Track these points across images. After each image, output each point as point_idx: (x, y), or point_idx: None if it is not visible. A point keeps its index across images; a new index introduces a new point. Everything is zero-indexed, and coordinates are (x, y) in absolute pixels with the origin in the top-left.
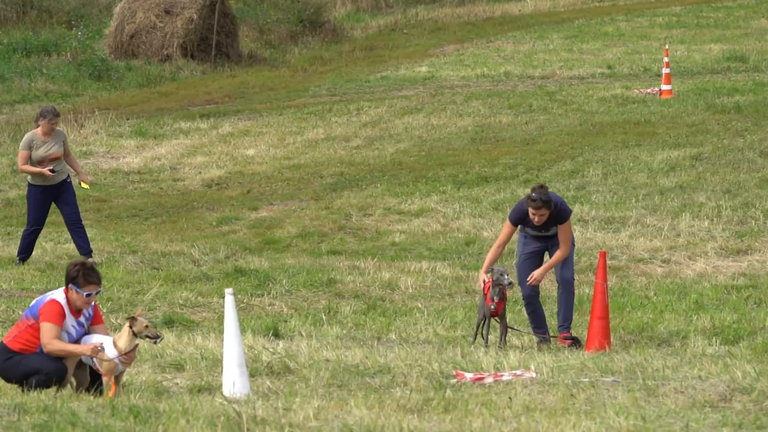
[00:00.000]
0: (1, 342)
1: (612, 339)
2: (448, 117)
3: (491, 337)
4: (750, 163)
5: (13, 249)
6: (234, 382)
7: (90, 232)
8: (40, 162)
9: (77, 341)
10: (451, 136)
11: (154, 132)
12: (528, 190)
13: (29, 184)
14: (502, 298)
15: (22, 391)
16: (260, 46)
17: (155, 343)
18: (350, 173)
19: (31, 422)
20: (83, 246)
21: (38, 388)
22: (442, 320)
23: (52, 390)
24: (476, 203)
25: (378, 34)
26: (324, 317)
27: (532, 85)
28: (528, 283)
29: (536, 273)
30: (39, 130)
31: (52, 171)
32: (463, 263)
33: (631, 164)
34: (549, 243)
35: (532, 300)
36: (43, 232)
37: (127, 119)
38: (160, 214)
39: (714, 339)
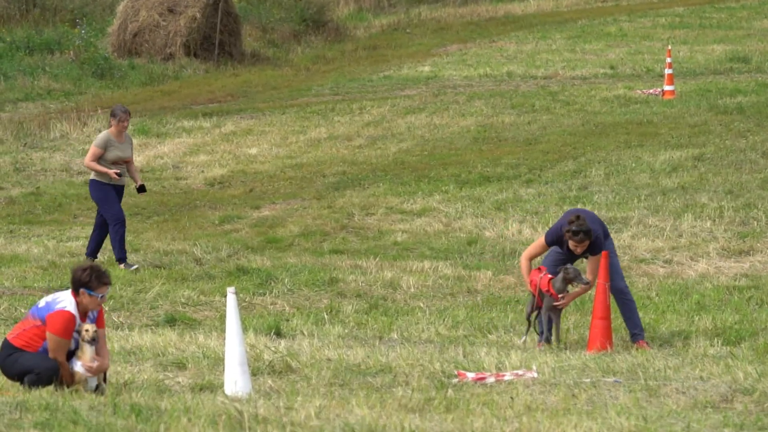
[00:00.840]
0: (5, 339)
1: (614, 339)
2: (451, 117)
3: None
4: (752, 164)
5: (15, 246)
6: (236, 380)
7: (91, 230)
8: (114, 163)
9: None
10: (453, 136)
11: (157, 130)
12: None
13: (95, 182)
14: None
15: (23, 387)
16: (263, 45)
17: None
18: (353, 172)
19: (32, 420)
20: (93, 248)
21: (32, 387)
22: (443, 320)
23: (55, 387)
24: (478, 203)
25: (381, 34)
26: (326, 316)
27: (534, 85)
28: (557, 305)
29: (567, 300)
30: (113, 130)
31: (118, 175)
32: (465, 263)
33: (634, 165)
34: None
35: None
36: (45, 230)
37: (130, 117)
38: (163, 212)
39: (716, 340)
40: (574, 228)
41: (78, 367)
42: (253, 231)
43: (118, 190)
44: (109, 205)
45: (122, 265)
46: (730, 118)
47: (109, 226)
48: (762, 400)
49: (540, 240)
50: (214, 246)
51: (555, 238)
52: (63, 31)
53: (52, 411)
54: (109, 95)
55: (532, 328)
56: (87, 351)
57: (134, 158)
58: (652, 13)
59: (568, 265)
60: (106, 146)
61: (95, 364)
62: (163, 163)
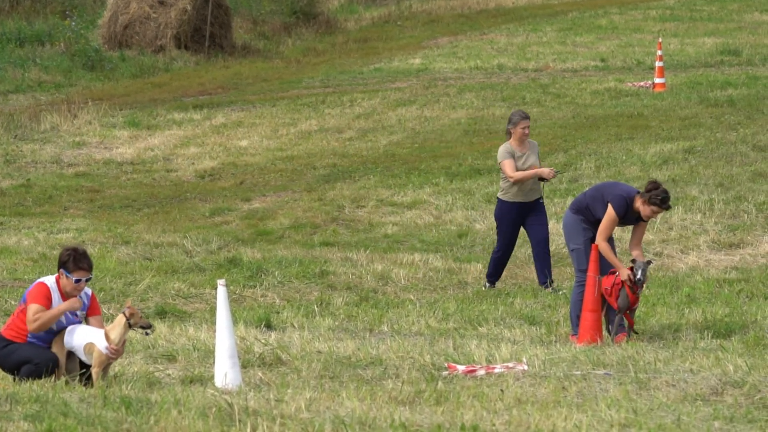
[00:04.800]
0: None
1: (604, 332)
2: (442, 109)
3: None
4: (743, 156)
5: (5, 239)
6: (226, 373)
7: (83, 222)
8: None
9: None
10: (444, 129)
11: (147, 123)
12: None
13: (502, 202)
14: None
15: (14, 380)
16: (254, 38)
17: (146, 334)
18: (343, 165)
19: (23, 412)
20: (543, 274)
21: (28, 378)
22: (434, 312)
23: (45, 380)
24: (469, 195)
25: (372, 26)
26: (316, 309)
27: (525, 78)
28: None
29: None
30: (513, 141)
31: (557, 172)
32: (455, 255)
33: (624, 157)
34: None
35: None
36: (35, 221)
37: (121, 110)
38: (153, 204)
39: (706, 332)
40: (662, 196)
41: (103, 347)
42: (244, 223)
43: (531, 206)
44: (503, 230)
45: (486, 285)
46: (720, 111)
47: (494, 249)
48: (752, 393)
49: (611, 215)
50: (204, 238)
51: (625, 209)
52: (53, 23)
53: (42, 403)
54: (99, 87)
55: (609, 332)
56: (116, 331)
57: (126, 150)
58: (643, 5)
59: (637, 261)
60: (512, 155)
61: (119, 349)
62: (154, 155)
